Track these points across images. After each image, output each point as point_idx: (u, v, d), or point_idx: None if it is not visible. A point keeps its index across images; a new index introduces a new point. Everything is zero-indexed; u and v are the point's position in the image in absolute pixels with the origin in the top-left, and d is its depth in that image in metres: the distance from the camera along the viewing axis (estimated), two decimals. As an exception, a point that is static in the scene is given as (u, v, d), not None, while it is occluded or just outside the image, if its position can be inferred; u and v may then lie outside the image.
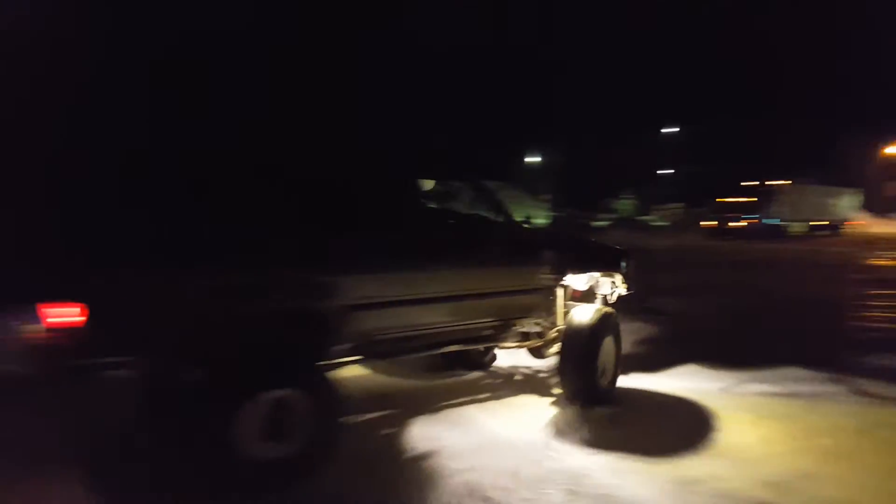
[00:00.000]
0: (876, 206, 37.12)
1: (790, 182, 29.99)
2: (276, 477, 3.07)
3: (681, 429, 4.14)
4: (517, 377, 5.41)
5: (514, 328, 4.51)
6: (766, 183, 29.99)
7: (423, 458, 3.59)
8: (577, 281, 4.74)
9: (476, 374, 5.46)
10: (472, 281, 4.09)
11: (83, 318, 2.70)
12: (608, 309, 4.64)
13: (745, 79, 57.19)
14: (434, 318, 3.97)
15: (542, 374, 5.45)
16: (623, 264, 4.97)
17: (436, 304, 3.88)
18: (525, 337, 4.74)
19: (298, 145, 3.91)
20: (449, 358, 4.95)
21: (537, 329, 4.72)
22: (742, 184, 30.63)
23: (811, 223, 30.33)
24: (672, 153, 45.12)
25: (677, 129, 45.81)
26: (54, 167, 3.03)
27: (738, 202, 29.71)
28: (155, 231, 2.98)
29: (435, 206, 4.48)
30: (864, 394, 4.98)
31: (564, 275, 4.59)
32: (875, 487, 3.35)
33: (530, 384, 5.17)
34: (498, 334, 4.45)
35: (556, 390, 4.89)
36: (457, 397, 4.71)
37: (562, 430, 3.99)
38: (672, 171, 45.05)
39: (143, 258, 2.90)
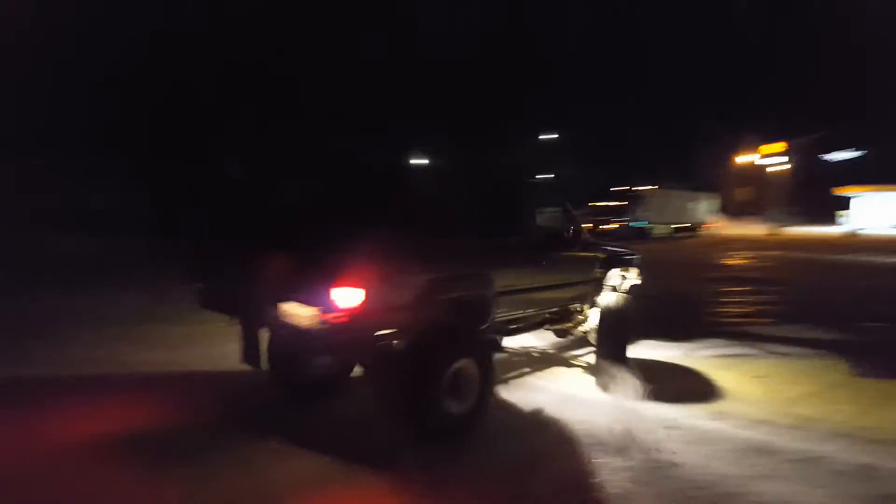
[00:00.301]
0: (729, 209, 42.96)
1: (656, 187, 33.64)
2: (458, 428, 4.23)
3: (692, 382, 5.85)
4: (535, 354, 6.85)
5: (571, 312, 6.03)
6: (634, 188, 33.49)
7: (537, 412, 4.86)
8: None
9: (500, 356, 6.83)
10: (562, 274, 5.56)
11: (363, 301, 3.63)
12: (627, 295, 6.30)
13: (618, 89, 63.03)
14: (538, 303, 5.35)
15: (550, 351, 6.96)
16: (636, 260, 6.71)
17: (542, 291, 5.26)
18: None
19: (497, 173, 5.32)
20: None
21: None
22: (613, 189, 34.01)
23: (674, 226, 34.30)
24: (549, 158, 48.77)
25: (556, 136, 49.55)
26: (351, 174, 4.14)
27: (609, 206, 32.30)
28: (400, 239, 3.97)
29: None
30: (774, 352, 7.13)
31: (609, 269, 6.20)
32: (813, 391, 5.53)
33: (551, 359, 6.64)
34: (563, 317, 5.95)
35: (576, 361, 6.48)
36: (507, 372, 6.01)
37: (616, 389, 5.38)
38: (552, 175, 48.70)
39: (395, 257, 3.91)
